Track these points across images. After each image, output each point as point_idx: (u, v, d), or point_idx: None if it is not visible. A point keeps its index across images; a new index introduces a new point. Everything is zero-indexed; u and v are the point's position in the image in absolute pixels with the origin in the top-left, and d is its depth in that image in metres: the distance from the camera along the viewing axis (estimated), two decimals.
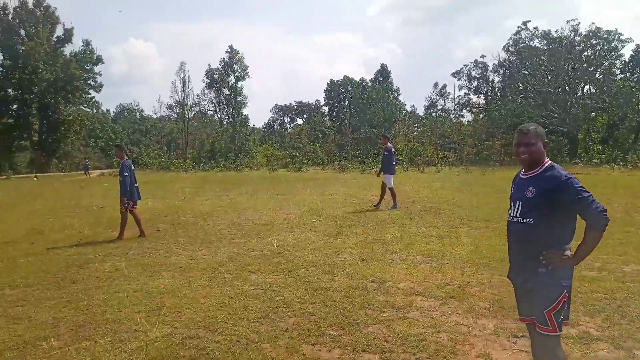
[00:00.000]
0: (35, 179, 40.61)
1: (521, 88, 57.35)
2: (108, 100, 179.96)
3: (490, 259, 6.71)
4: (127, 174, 9.23)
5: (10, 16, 61.57)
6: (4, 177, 45.51)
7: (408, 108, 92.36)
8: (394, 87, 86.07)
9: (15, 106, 63.93)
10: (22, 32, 61.43)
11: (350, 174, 34.04)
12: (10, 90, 62.86)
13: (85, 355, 3.93)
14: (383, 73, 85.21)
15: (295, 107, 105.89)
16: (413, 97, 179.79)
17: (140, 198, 9.79)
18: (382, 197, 12.91)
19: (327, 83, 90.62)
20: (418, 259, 6.89)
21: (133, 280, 6.17)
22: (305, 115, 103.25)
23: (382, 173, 13.14)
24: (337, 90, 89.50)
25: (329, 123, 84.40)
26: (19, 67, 59.77)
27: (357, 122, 73.59)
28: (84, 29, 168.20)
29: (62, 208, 14.96)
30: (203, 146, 65.46)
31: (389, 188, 12.69)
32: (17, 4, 62.59)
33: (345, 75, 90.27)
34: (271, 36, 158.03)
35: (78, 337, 4.31)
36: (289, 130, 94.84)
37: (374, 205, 12.78)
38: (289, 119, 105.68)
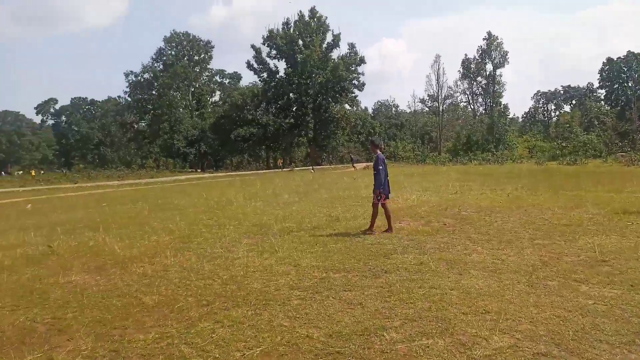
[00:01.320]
0: (312, 171, 46.43)
1: None
2: (364, 98, 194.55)
3: None
4: (381, 167, 9.28)
5: (291, 29, 71.87)
6: (289, 169, 53.52)
7: None
8: None
9: (294, 108, 74.49)
10: (300, 42, 70.92)
11: None
12: (291, 94, 73.58)
13: (430, 355, 3.78)
14: None
15: (562, 92, 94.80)
16: None
17: (390, 192, 9.63)
18: None
19: (603, 62, 78.10)
20: None
21: (443, 276, 5.97)
22: (573, 102, 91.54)
23: None
24: (618, 69, 76.14)
25: (606, 108, 72.54)
26: (297, 73, 69.33)
27: None
28: (345, 33, 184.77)
29: (346, 197, 16.31)
30: (459, 139, 64.23)
31: None
32: (296, 18, 72.50)
33: (629, 51, 76.26)
34: (529, 17, 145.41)
35: (414, 332, 4.22)
36: (555, 118, 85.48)
37: None
38: (553, 107, 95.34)
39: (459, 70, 78.68)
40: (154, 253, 8.04)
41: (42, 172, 64.53)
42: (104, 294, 5.74)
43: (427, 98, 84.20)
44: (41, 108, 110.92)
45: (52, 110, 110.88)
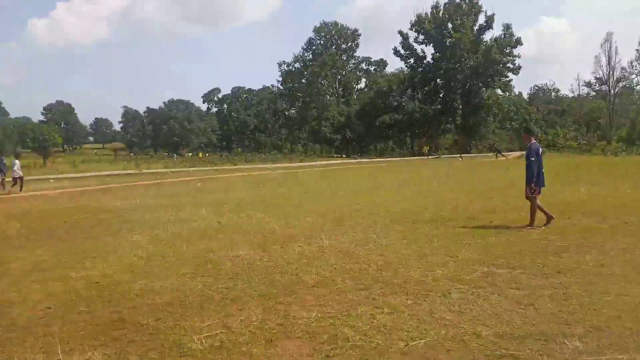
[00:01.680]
0: (460, 159, 44.53)
1: None
2: (519, 83, 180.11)
3: None
4: (533, 158, 8.52)
5: (440, 13, 69.13)
6: (436, 156, 52.07)
7: None
8: None
9: (442, 94, 71.99)
10: (450, 25, 67.93)
11: None
12: (438, 80, 71.20)
13: None
14: None
15: None
16: None
17: (544, 185, 8.85)
18: None
19: None
20: None
21: (634, 283, 5.14)
22: None
23: None
24: None
25: None
26: (446, 58, 66.74)
27: None
28: (499, 13, 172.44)
29: (500, 188, 15.24)
30: (634, 126, 56.09)
31: None
32: (446, 0, 69.37)
33: None
34: None
35: (603, 344, 3.67)
36: None
37: None
38: None
39: (636, 49, 68.14)
40: (310, 234, 8.33)
41: (207, 154, 71.94)
42: (267, 270, 6.08)
43: (595, 81, 74.69)
44: (207, 97, 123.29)
45: (215, 98, 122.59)
